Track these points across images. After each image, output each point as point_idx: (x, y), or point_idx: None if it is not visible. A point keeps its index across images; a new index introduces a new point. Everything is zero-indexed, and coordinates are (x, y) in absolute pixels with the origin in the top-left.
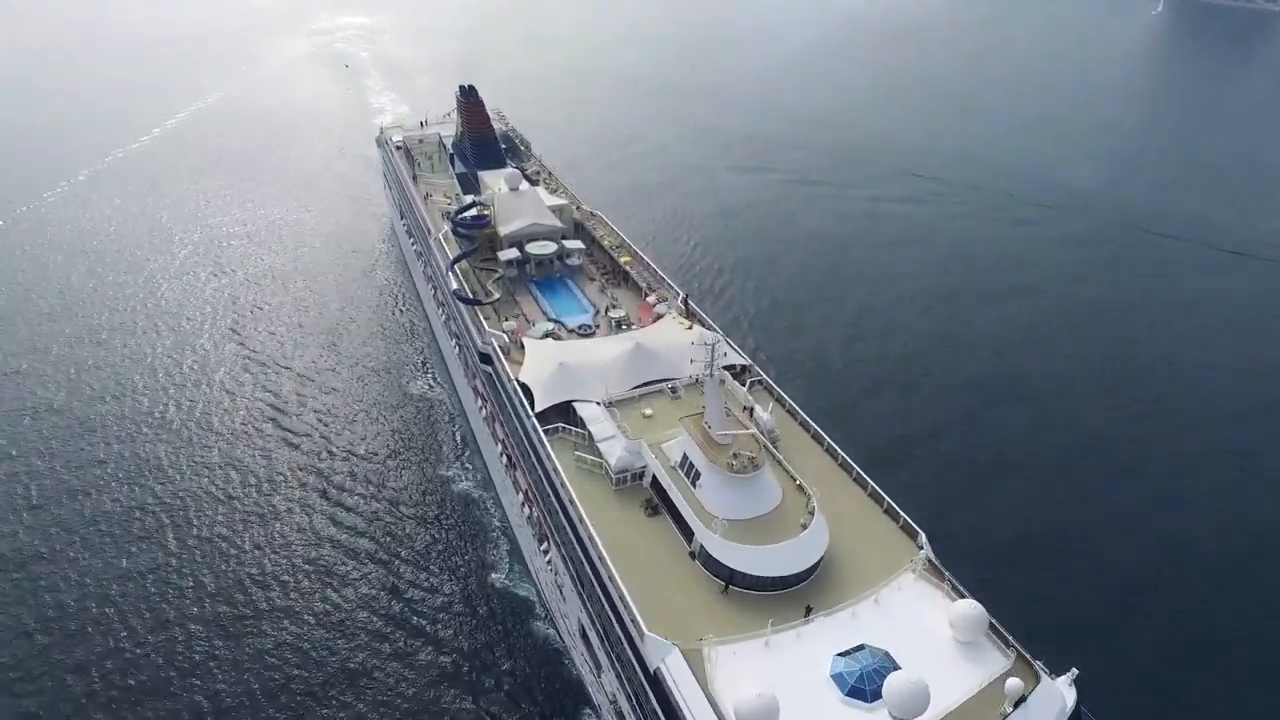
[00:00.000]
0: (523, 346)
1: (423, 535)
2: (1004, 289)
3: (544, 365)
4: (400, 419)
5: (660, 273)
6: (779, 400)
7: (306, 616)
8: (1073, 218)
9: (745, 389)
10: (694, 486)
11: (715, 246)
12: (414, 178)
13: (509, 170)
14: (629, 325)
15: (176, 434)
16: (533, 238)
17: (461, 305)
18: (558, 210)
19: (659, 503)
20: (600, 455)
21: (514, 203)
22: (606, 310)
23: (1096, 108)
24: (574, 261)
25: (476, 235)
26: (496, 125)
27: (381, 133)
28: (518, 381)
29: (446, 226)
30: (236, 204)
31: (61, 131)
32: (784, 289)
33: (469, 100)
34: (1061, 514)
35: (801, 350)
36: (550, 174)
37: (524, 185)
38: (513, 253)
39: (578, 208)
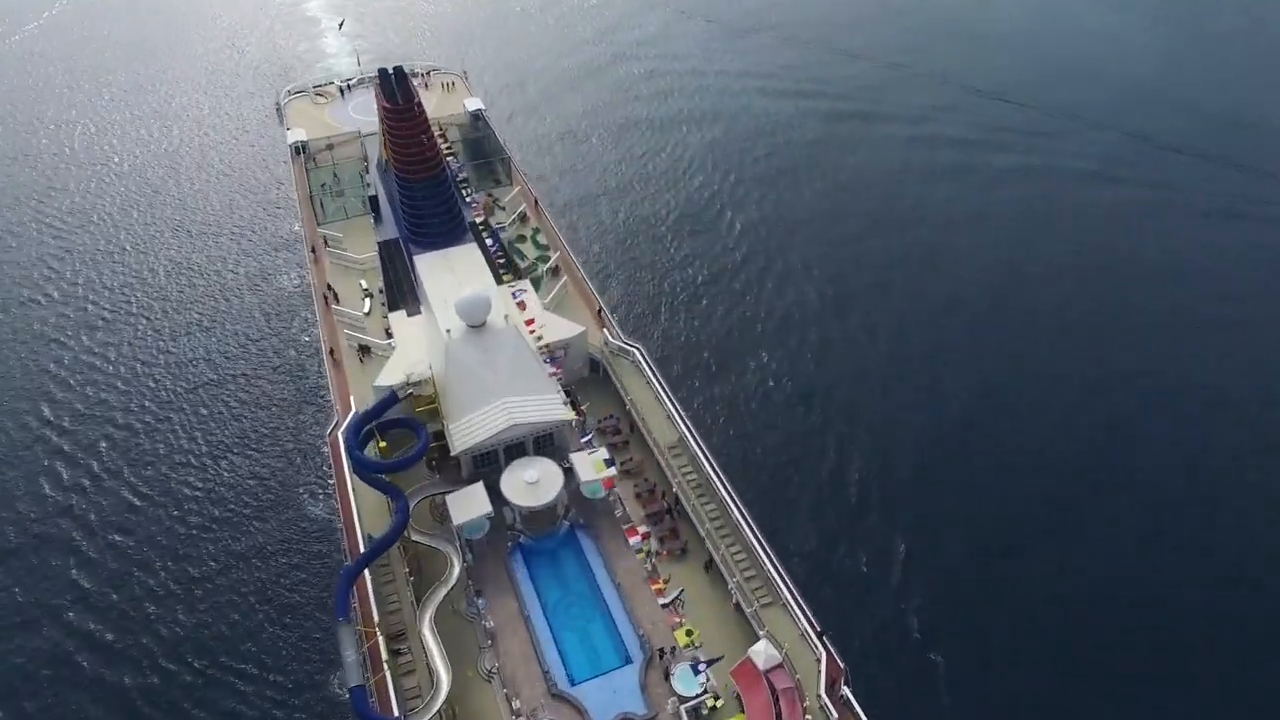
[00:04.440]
0: None
1: None
2: None
3: None
4: (278, 564)
5: (772, 566)
6: None
7: None
8: None
9: None
10: None
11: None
12: (314, 246)
13: (471, 296)
14: (714, 707)
15: None
16: (517, 445)
17: None
18: (562, 351)
19: None
20: None
21: (476, 367)
22: (664, 664)
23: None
24: (595, 495)
25: (402, 488)
26: (451, 124)
27: (280, 105)
28: None
29: (355, 416)
30: (101, 157)
31: None
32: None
33: (396, 105)
34: None
35: None
36: (543, 216)
37: (494, 315)
38: (479, 503)
39: (603, 342)
